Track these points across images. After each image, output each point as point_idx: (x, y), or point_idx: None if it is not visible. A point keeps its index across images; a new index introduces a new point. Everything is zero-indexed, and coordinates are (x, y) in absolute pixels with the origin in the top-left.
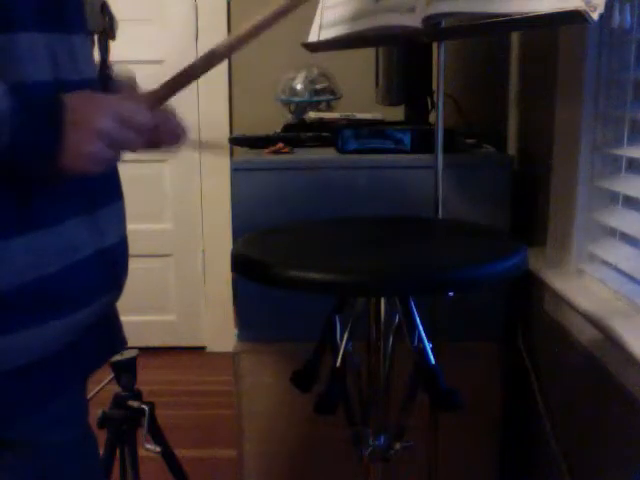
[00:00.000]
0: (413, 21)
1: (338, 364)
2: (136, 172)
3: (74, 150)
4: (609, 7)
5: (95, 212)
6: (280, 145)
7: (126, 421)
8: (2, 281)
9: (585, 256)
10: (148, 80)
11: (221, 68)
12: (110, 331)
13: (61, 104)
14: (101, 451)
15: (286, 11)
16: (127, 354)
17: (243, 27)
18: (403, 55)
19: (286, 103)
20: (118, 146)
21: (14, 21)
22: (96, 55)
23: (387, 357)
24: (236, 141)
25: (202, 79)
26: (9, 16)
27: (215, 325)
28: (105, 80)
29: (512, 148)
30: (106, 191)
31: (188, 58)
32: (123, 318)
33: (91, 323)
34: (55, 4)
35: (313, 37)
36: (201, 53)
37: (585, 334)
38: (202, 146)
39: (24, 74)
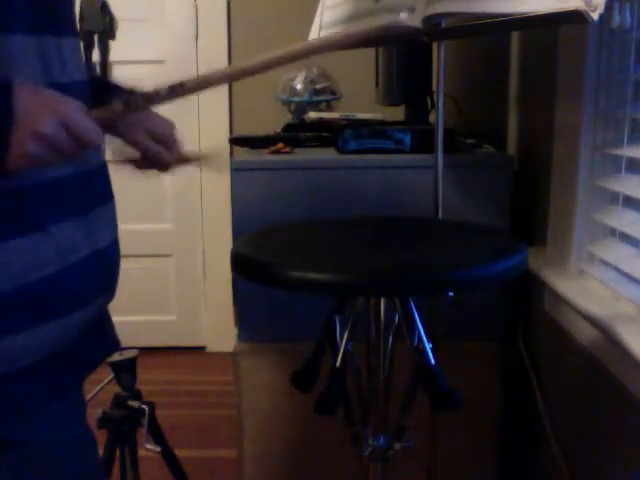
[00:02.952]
0: (413, 21)
1: (338, 364)
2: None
3: (14, 149)
4: (609, 7)
5: (88, 214)
6: (280, 145)
7: (126, 421)
8: (2, 283)
9: (585, 256)
10: (148, 80)
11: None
12: (105, 332)
13: (11, 97)
14: (101, 451)
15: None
16: (127, 354)
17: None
18: (403, 55)
19: (286, 103)
20: (56, 152)
21: (6, 23)
22: (96, 55)
23: (387, 357)
24: (236, 141)
25: None
26: (1, 18)
27: (215, 325)
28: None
29: (512, 148)
30: (98, 193)
31: (188, 58)
32: (124, 318)
33: (88, 324)
34: (47, 7)
35: (313, 37)
36: (201, 53)
37: (585, 334)
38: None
39: (16, 76)
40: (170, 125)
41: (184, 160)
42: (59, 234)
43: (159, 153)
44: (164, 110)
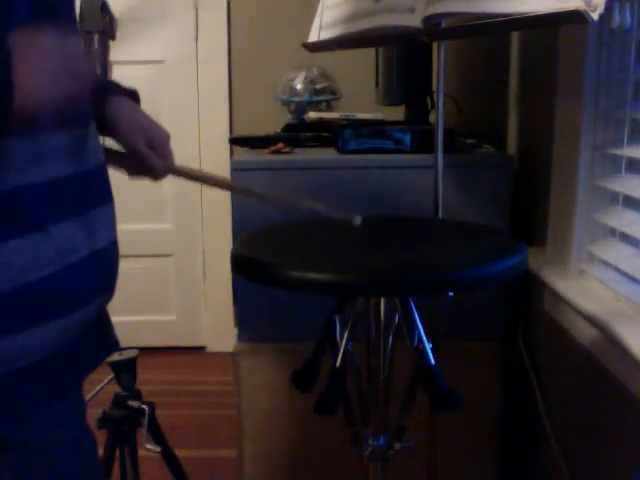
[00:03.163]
0: (413, 21)
1: (338, 364)
2: None
3: (18, 87)
4: (609, 7)
5: (88, 214)
6: (280, 145)
7: (126, 421)
8: (1, 283)
9: (585, 256)
10: (148, 80)
11: (221, 68)
12: (104, 333)
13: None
14: (101, 451)
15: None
16: (127, 354)
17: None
18: (403, 55)
19: (286, 103)
20: (60, 88)
21: (7, 21)
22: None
23: (387, 357)
24: (236, 141)
25: (202, 78)
26: (2, 17)
27: (215, 325)
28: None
29: (512, 148)
30: (98, 193)
31: (188, 58)
32: (124, 318)
33: (87, 324)
34: (46, 6)
35: (313, 37)
36: (201, 53)
37: (585, 334)
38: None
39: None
40: (167, 135)
41: (178, 174)
42: (59, 234)
43: (151, 159)
44: (164, 111)
